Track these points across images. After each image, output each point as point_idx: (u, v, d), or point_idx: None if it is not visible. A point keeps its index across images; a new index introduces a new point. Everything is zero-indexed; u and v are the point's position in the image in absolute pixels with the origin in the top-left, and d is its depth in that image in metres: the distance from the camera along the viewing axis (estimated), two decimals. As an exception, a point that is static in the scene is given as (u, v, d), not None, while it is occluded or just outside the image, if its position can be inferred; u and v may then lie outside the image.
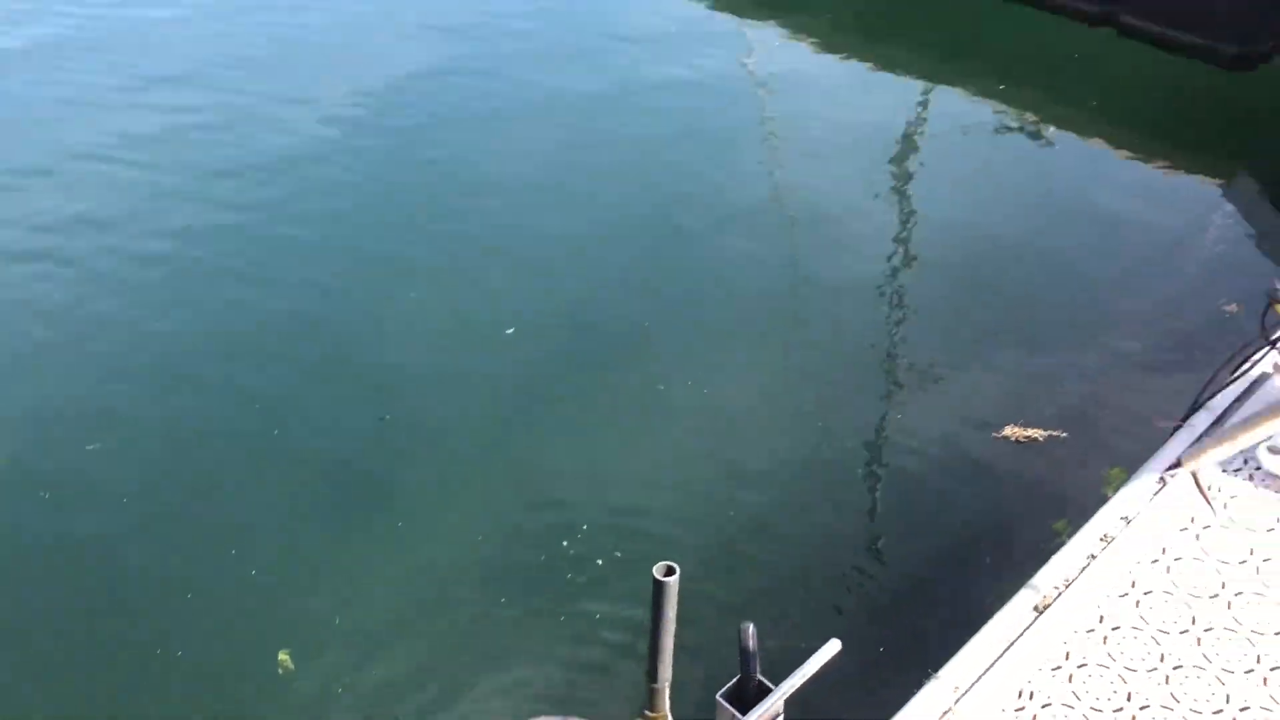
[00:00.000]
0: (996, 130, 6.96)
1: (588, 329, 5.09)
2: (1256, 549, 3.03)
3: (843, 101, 7.17)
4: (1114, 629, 2.84)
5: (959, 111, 7.16)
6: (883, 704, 2.83)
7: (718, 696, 2.71)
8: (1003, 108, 7.16)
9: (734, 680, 2.72)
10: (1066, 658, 2.78)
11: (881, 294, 5.38)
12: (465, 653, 3.67)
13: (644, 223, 5.88)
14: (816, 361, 4.91)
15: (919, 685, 2.79)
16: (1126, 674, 2.73)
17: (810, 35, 8.03)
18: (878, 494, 4.31)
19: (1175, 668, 2.74)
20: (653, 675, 2.86)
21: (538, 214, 5.92)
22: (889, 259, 5.66)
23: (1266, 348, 3.37)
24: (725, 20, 8.27)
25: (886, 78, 7.54)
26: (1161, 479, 3.27)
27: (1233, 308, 5.15)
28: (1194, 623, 2.84)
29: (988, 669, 2.77)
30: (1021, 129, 7.04)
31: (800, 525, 4.12)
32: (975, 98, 7.28)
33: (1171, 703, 2.66)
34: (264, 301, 5.23)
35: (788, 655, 2.96)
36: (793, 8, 8.38)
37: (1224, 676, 2.71)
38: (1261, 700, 2.65)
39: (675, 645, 2.82)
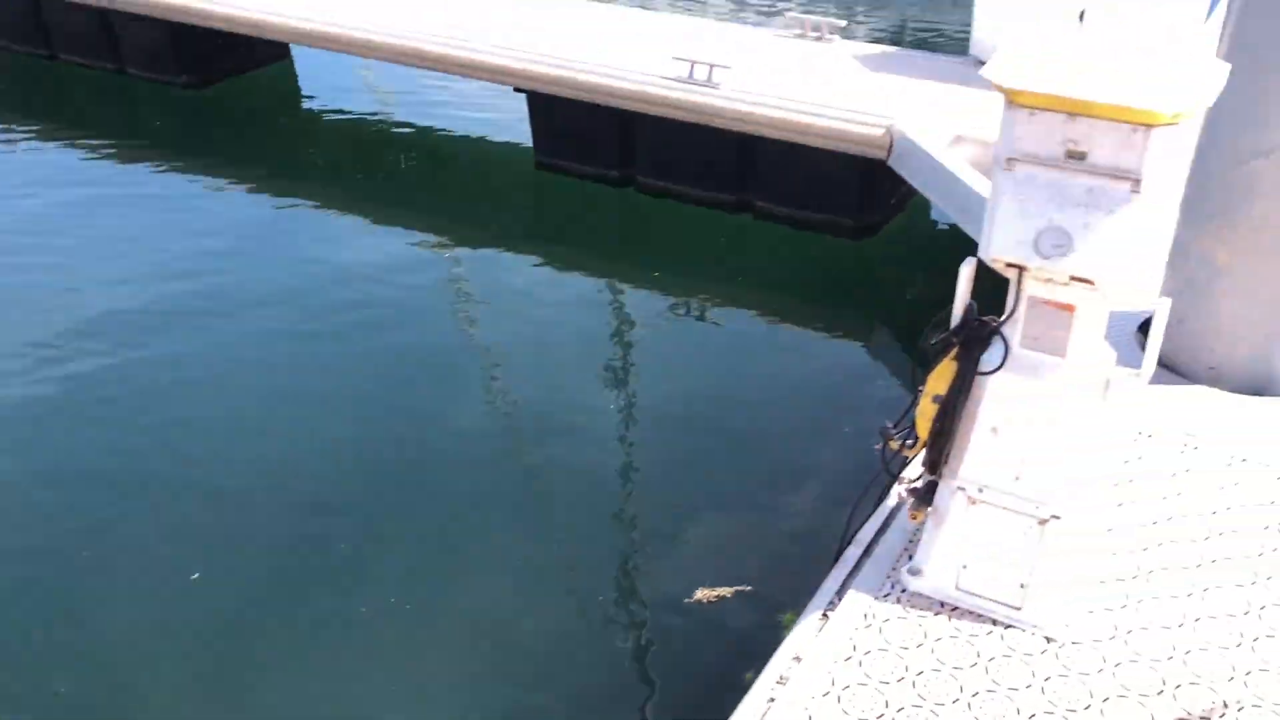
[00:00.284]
0: (672, 315, 7.50)
1: (292, 556, 4.99)
2: (910, 665, 3.31)
3: (538, 305, 7.54)
4: (798, 766, 3.01)
5: (637, 301, 7.67)
6: None
7: None
8: (672, 295, 7.72)
9: None
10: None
11: (598, 484, 5.62)
12: None
13: (360, 444, 5.88)
14: (542, 555, 5.03)
15: None
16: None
17: (493, 247, 8.41)
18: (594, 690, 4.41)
19: (856, 791, 2.92)
20: None
21: (237, 444, 5.81)
22: (601, 451, 5.92)
23: (891, 480, 3.78)
24: (423, 244, 8.55)
25: (573, 278, 7.99)
26: (824, 614, 3.54)
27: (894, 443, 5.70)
28: (866, 745, 3.06)
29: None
30: (688, 312, 7.62)
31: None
32: (646, 289, 7.83)
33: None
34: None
35: None
36: (467, 221, 8.76)
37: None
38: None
39: None
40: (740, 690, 3.97)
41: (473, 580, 4.92)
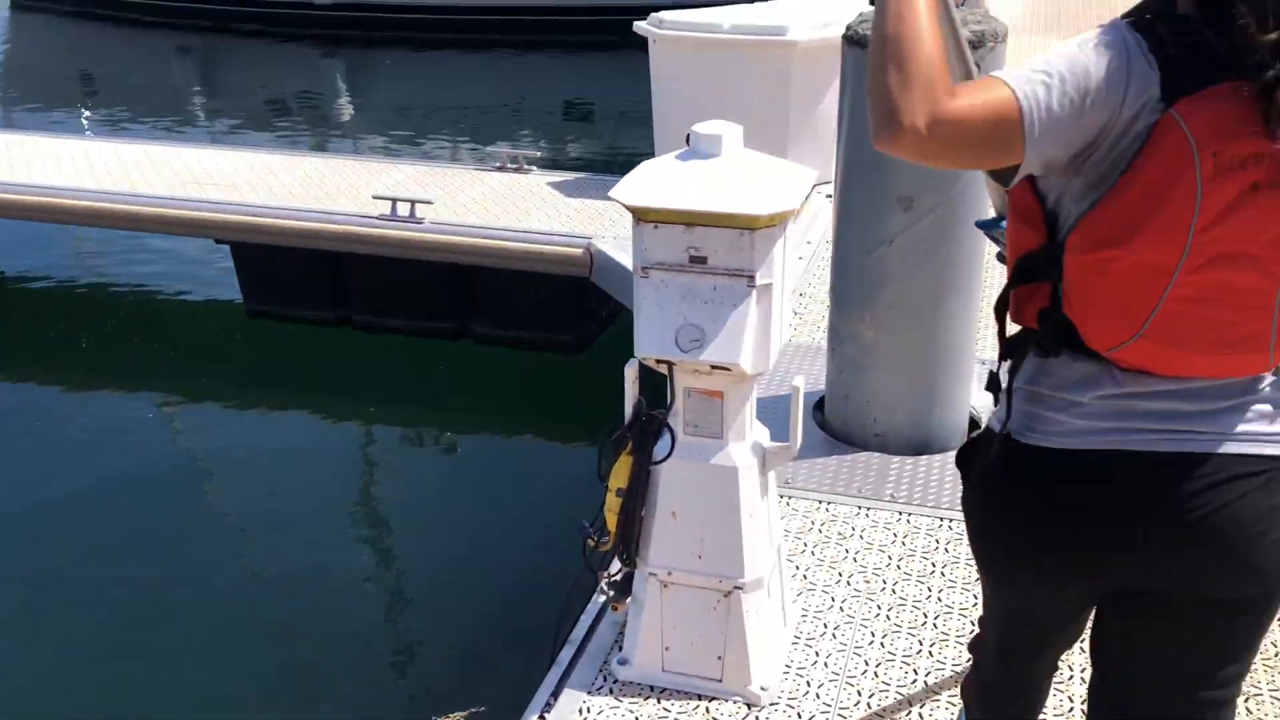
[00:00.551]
0: (399, 446, 7.56)
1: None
2: (623, 750, 3.47)
3: (262, 455, 7.41)
4: None
5: (362, 439, 7.68)
6: None
7: None
8: (397, 428, 7.78)
9: None
10: None
11: (335, 626, 5.52)
12: None
13: (92, 615, 5.58)
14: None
15: None
16: None
17: (211, 401, 8.20)
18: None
19: None
20: None
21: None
22: (333, 590, 5.87)
23: (594, 576, 3.98)
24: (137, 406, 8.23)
25: (297, 423, 7.88)
26: (541, 716, 3.66)
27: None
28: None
29: None
30: (415, 442, 7.71)
31: None
32: (370, 424, 7.85)
33: None
34: None
35: None
36: (182, 378, 8.53)
37: None
38: None
39: None
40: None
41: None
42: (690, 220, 3.16)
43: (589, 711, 3.64)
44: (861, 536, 4.51)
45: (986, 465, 2.16)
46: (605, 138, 15.33)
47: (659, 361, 3.35)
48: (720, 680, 3.67)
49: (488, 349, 8.55)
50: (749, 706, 3.64)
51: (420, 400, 8.06)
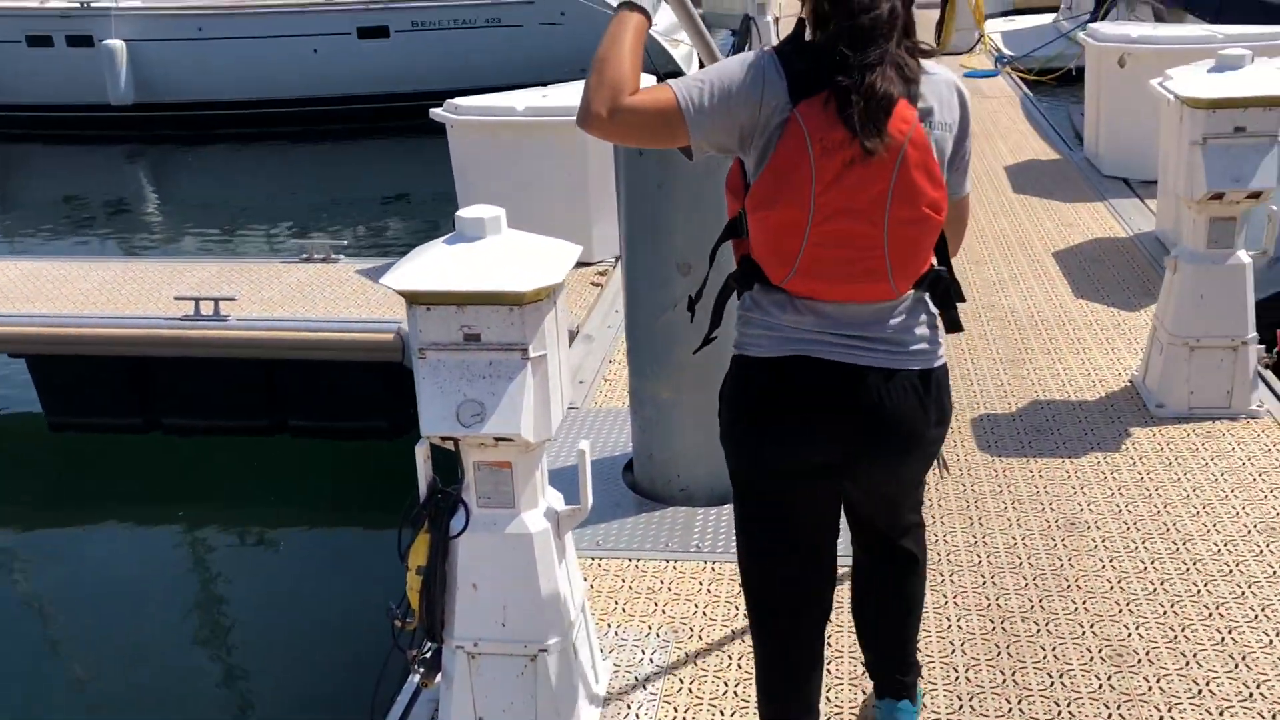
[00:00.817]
0: (216, 546, 7.38)
1: None
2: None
3: (80, 570, 7.13)
4: None
5: (177, 545, 7.47)
6: None
7: None
8: (213, 528, 7.59)
9: None
10: None
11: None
12: None
13: None
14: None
15: None
16: None
17: (15, 525, 7.85)
18: None
19: None
20: None
21: None
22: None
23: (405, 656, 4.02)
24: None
25: (109, 536, 7.64)
26: (359, 802, 3.67)
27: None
28: None
29: None
30: (235, 541, 7.55)
31: None
32: (182, 528, 7.65)
33: None
34: None
35: None
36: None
37: None
38: None
39: None
40: None
41: None
42: (461, 300, 3.31)
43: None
44: (670, 589, 4.68)
45: (726, 374, 3.04)
46: (418, 221, 15.42)
47: (444, 439, 3.46)
48: (535, 744, 3.75)
49: (304, 442, 8.46)
50: (566, 766, 3.73)
51: (237, 500, 7.91)
